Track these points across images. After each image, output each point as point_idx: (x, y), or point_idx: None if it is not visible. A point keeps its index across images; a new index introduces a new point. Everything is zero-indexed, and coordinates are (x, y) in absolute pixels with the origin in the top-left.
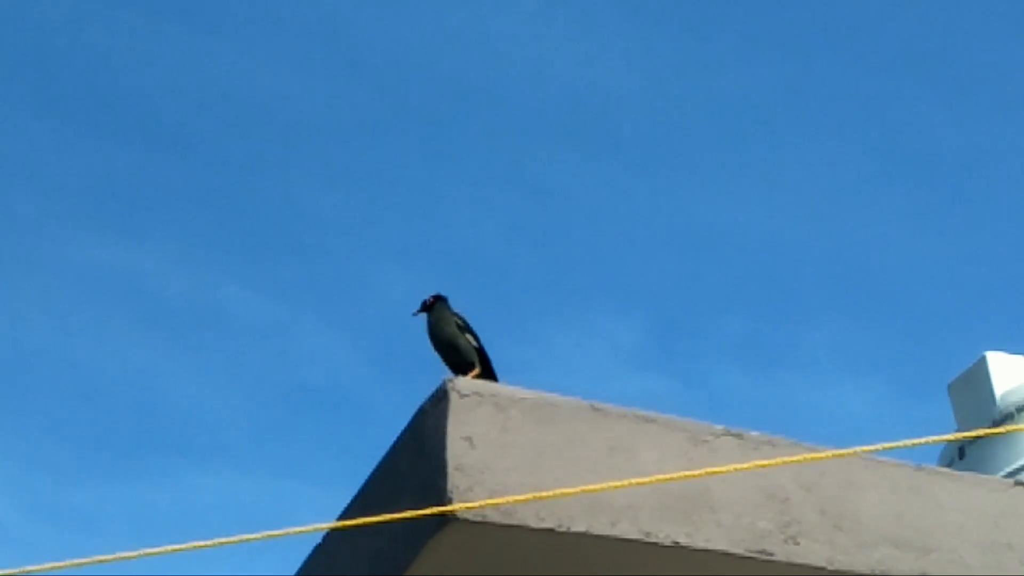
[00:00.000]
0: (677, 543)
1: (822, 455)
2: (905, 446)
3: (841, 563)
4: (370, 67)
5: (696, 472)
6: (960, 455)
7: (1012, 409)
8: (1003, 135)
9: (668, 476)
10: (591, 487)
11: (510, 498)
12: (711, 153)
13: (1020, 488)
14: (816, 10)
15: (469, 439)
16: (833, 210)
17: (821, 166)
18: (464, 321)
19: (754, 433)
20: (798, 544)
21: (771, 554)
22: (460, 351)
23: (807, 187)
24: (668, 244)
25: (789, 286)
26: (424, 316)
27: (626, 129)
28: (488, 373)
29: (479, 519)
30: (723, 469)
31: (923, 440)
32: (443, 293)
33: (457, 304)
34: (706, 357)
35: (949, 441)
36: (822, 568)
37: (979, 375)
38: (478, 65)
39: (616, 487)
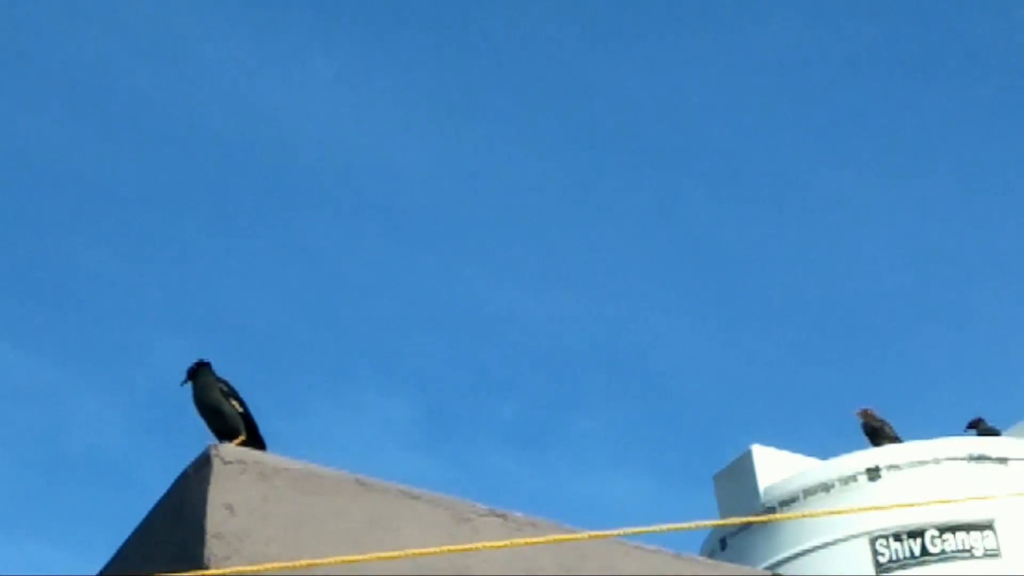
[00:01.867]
0: None
1: (581, 536)
2: (663, 531)
3: None
4: (153, 129)
5: (456, 547)
6: (722, 546)
7: (775, 503)
8: (781, 236)
9: (427, 551)
10: (348, 558)
11: (268, 566)
12: (491, 236)
13: None
14: (608, 109)
15: (230, 507)
16: (610, 300)
17: (600, 255)
18: (229, 386)
19: (518, 514)
20: None
21: None
22: (225, 417)
23: (584, 276)
24: (446, 325)
25: (562, 373)
26: (191, 384)
27: (410, 208)
28: (255, 439)
29: None
30: (480, 545)
31: (682, 525)
32: (207, 359)
33: (228, 374)
34: (478, 439)
35: (710, 528)
36: None
37: (744, 467)
38: (264, 135)
39: (374, 559)
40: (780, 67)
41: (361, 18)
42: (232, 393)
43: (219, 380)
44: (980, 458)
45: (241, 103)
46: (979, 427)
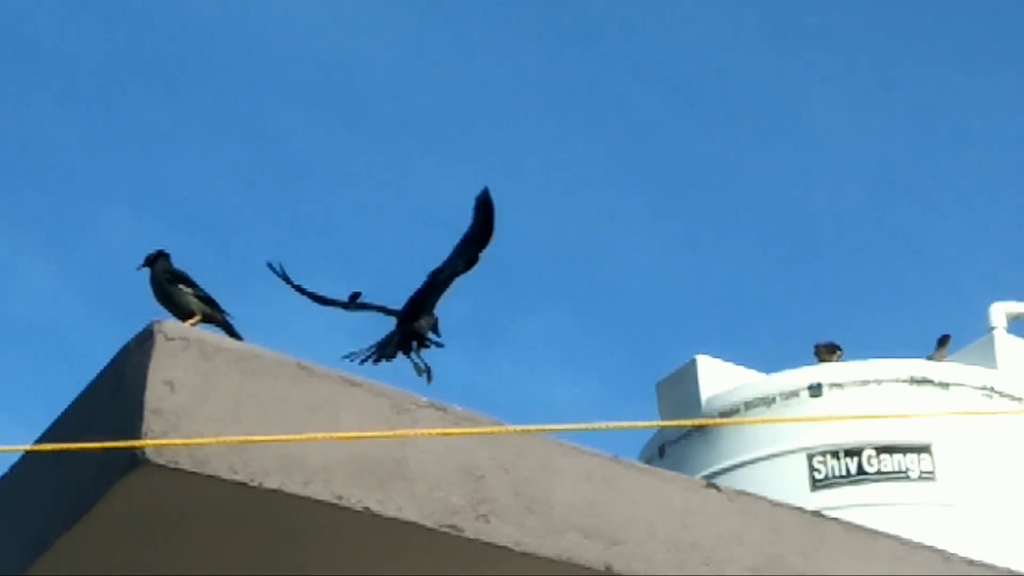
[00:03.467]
0: (368, 509)
1: (515, 430)
2: (600, 428)
3: (528, 546)
4: (120, 3)
5: (389, 433)
6: (660, 453)
7: (716, 413)
8: (739, 150)
9: (362, 435)
10: (283, 438)
11: (202, 440)
12: (451, 132)
13: (711, 489)
14: (577, 9)
15: (170, 383)
16: (563, 204)
17: (558, 160)
18: (183, 275)
19: (457, 408)
20: (488, 523)
21: (461, 530)
22: (175, 303)
23: (541, 178)
24: (401, 217)
25: (514, 272)
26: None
27: (371, 99)
28: (223, 326)
29: (170, 464)
30: (415, 432)
31: (620, 424)
32: (166, 250)
33: (181, 256)
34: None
35: (649, 429)
36: (509, 549)
37: (687, 377)
38: (230, 18)
39: (309, 439)
40: None
41: None
42: (185, 279)
43: (174, 270)
44: (922, 381)
45: None
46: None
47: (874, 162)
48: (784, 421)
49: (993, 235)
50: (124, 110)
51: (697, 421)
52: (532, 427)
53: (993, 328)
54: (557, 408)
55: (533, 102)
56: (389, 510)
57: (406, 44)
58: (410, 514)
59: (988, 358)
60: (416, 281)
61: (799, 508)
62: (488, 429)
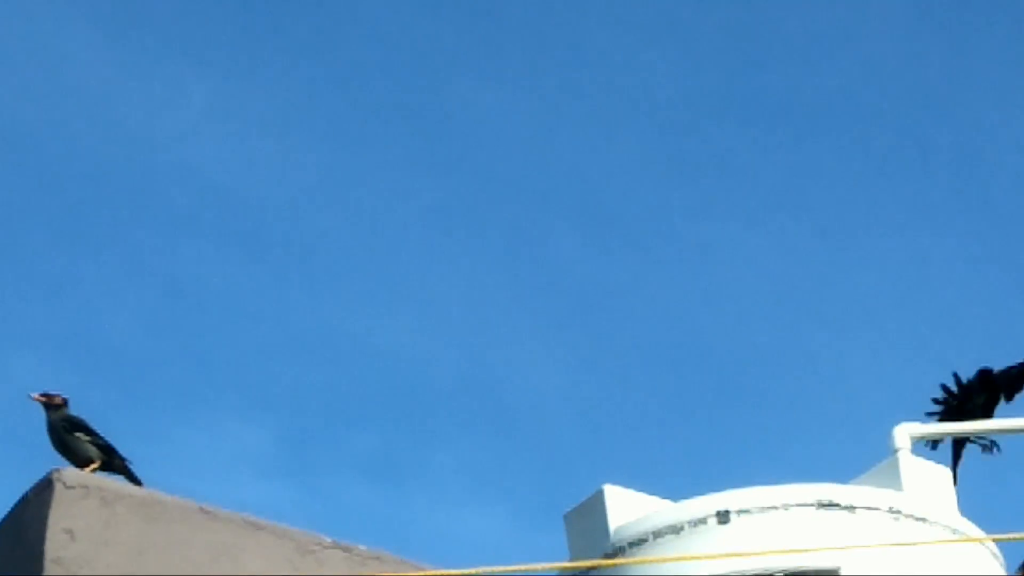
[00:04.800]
0: None
1: (425, 573)
2: (507, 571)
3: None
4: (15, 140)
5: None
6: None
7: (624, 543)
8: (644, 276)
9: None
10: None
11: None
12: (350, 263)
13: None
14: (471, 132)
15: (70, 532)
16: (472, 332)
17: (461, 286)
18: (83, 423)
19: (362, 547)
20: None
21: None
22: (72, 452)
23: (446, 306)
24: (307, 352)
25: (422, 404)
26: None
27: (276, 234)
28: (122, 471)
29: None
30: None
31: (529, 567)
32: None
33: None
34: (335, 469)
35: (561, 570)
36: None
37: (595, 507)
38: (133, 156)
39: None
40: (650, 108)
41: (238, 44)
42: (82, 427)
43: (71, 419)
44: (829, 505)
45: (110, 122)
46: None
47: (779, 283)
48: (682, 560)
49: (897, 356)
50: (24, 255)
51: (605, 562)
52: (439, 572)
53: (898, 450)
54: (468, 540)
55: (435, 232)
56: None
57: (306, 175)
58: None
59: (894, 480)
60: (324, 412)
61: None
62: (394, 574)
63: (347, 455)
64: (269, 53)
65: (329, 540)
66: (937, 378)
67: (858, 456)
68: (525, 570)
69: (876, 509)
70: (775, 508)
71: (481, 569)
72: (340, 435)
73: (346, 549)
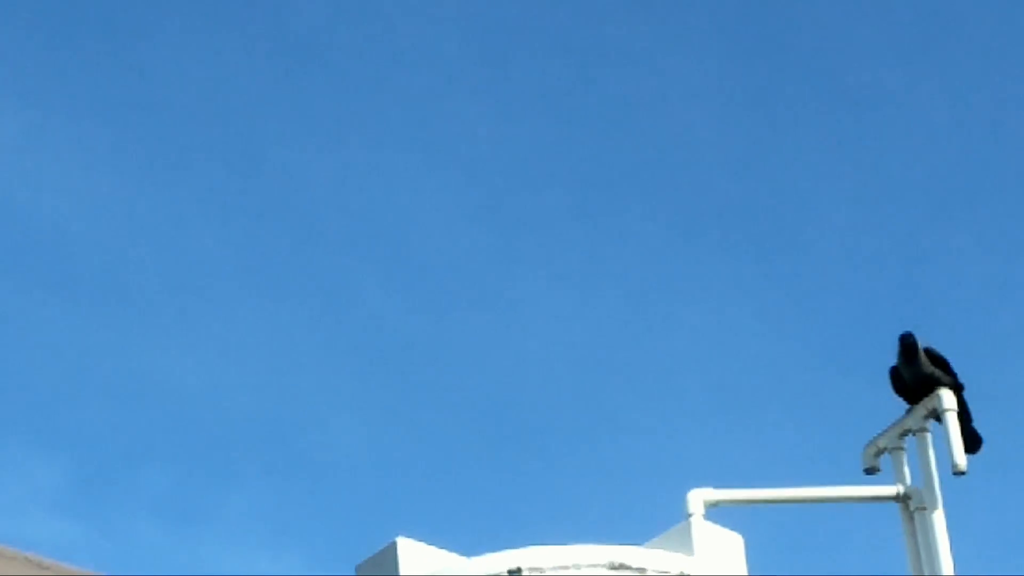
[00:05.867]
0: None
1: None
2: None
3: None
4: None
5: None
6: None
7: None
8: (452, 329)
9: None
10: None
11: None
12: (154, 301)
13: None
14: (281, 182)
15: None
16: (273, 377)
17: (266, 331)
18: None
19: None
20: None
21: None
22: None
23: (251, 350)
24: (103, 388)
25: (220, 446)
26: None
27: (79, 270)
28: None
29: None
30: None
31: None
32: None
33: None
34: (129, 508)
35: None
36: None
37: (387, 560)
38: None
39: None
40: (466, 162)
41: (49, 76)
42: None
43: None
44: (620, 567)
45: None
46: None
47: (580, 342)
48: None
49: (696, 422)
50: None
51: None
52: None
53: (691, 515)
54: None
55: (240, 272)
56: None
57: (114, 210)
58: None
59: (685, 544)
60: (120, 450)
61: None
62: None
63: (141, 494)
64: (80, 86)
65: None
66: (735, 445)
67: (654, 520)
68: None
69: (666, 573)
70: (567, 568)
71: None
72: (135, 474)
73: None
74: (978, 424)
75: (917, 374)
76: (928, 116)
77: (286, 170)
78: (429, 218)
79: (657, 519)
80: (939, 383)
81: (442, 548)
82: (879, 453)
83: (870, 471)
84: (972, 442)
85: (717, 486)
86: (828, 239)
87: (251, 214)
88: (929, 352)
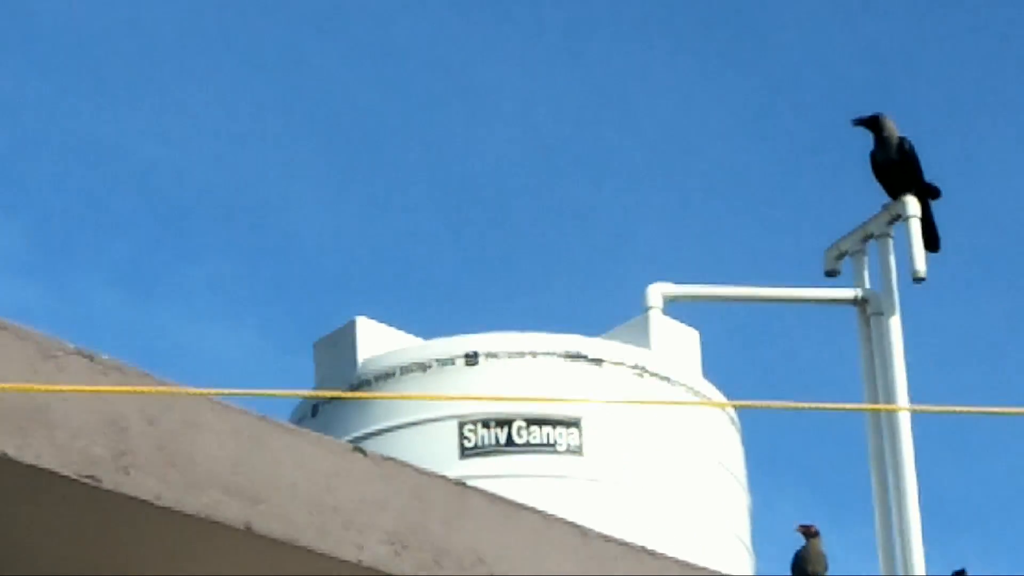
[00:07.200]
0: (5, 454)
1: (163, 390)
2: (249, 395)
3: (168, 500)
4: None
5: (29, 386)
6: (313, 413)
7: (371, 376)
8: (407, 111)
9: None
10: None
11: None
12: (121, 67)
13: (357, 454)
14: None
15: None
16: (233, 152)
17: (232, 104)
18: None
19: (105, 357)
20: (128, 475)
21: (100, 481)
22: None
23: (217, 124)
24: (63, 155)
25: (179, 217)
26: None
27: (42, 29)
28: None
29: None
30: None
31: (270, 392)
32: None
33: None
34: (86, 274)
35: (303, 398)
36: (149, 503)
37: (345, 338)
38: None
39: None
40: None
41: None
42: None
43: None
44: (576, 356)
45: None
46: None
47: (548, 132)
48: (425, 398)
49: (656, 215)
50: None
51: (320, 393)
52: (179, 388)
53: (650, 308)
54: (215, 358)
55: (208, 41)
56: (27, 457)
57: None
58: (49, 462)
59: (643, 338)
60: (79, 216)
61: (443, 477)
62: (134, 388)
63: (99, 261)
64: None
65: (72, 346)
66: (699, 243)
67: (614, 312)
68: (264, 395)
69: (622, 364)
70: (523, 354)
71: (221, 391)
72: (93, 240)
73: (88, 356)
74: (945, 234)
75: (888, 155)
76: None
77: None
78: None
79: (617, 311)
80: (910, 171)
81: (400, 329)
82: (841, 256)
83: (831, 273)
84: (931, 241)
85: (678, 282)
86: (800, 38)
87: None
88: (903, 145)
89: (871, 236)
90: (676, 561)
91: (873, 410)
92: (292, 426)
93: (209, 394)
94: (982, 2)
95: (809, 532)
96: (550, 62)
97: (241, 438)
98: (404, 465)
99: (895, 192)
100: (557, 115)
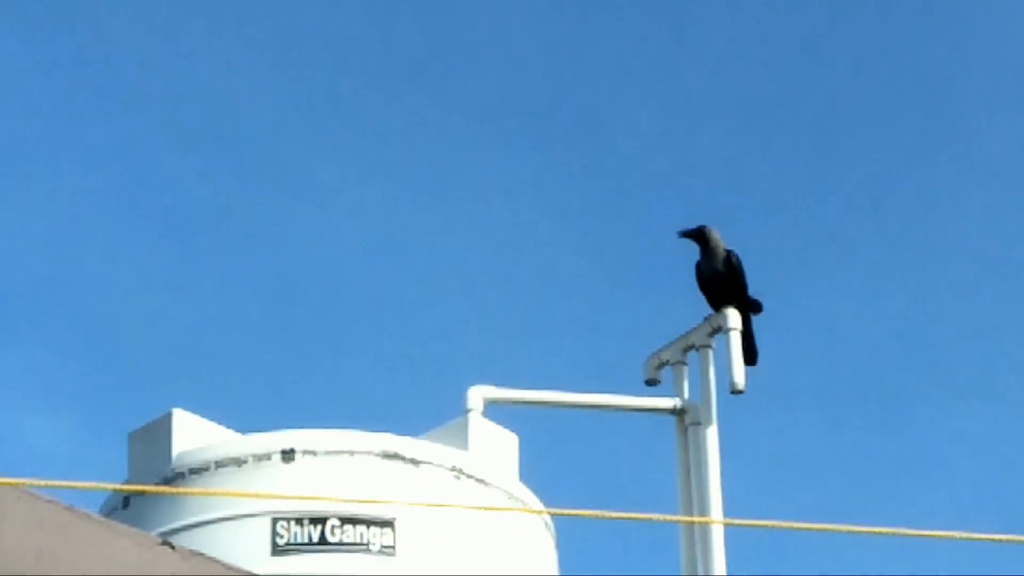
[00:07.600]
0: None
1: None
2: (60, 487)
3: None
4: None
5: None
6: (125, 504)
7: (185, 469)
8: (240, 199)
9: None
10: None
11: None
12: None
13: (166, 547)
14: (74, 43)
15: None
16: (59, 234)
17: (55, 188)
18: None
19: None
20: None
21: None
22: None
23: (37, 205)
24: None
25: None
26: None
27: None
28: None
29: None
30: None
31: (80, 484)
32: None
33: None
34: None
35: (114, 491)
36: None
37: (161, 430)
38: None
39: None
40: (280, 37)
41: None
42: None
43: None
44: (393, 456)
45: None
46: None
47: (378, 231)
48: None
49: (482, 316)
50: None
51: (127, 488)
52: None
53: (469, 410)
54: (32, 448)
55: (34, 129)
56: None
57: None
58: None
59: (462, 440)
60: None
61: (250, 573)
62: None
63: None
64: None
65: None
66: (523, 346)
67: (433, 413)
68: (72, 487)
69: (439, 466)
70: (340, 452)
71: (29, 480)
72: None
73: None
74: (763, 348)
75: (714, 267)
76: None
77: (93, 29)
78: (239, 93)
79: (436, 413)
80: (735, 284)
81: (218, 423)
82: (661, 366)
83: (651, 383)
84: (750, 355)
85: (500, 385)
86: (636, 147)
87: (49, 68)
88: (729, 258)
89: (692, 347)
90: None
91: (687, 522)
92: (99, 518)
93: (17, 484)
94: (809, 120)
95: None
96: (383, 155)
97: (47, 528)
98: (212, 560)
99: (718, 304)
100: (389, 209)
